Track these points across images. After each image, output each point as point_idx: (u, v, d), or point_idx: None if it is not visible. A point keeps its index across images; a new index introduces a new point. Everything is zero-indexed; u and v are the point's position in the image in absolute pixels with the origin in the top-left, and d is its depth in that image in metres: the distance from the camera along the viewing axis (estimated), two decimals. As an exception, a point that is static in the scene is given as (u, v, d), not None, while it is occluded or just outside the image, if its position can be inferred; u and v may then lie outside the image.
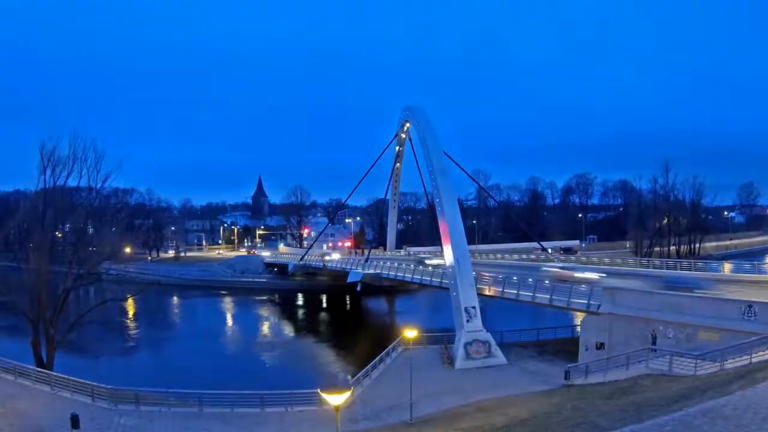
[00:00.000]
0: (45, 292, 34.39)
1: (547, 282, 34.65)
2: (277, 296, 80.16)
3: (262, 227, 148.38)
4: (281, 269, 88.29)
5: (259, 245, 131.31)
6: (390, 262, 60.51)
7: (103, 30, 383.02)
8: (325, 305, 74.91)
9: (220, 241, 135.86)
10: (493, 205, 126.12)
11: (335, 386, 11.46)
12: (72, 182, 37.38)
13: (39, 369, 28.66)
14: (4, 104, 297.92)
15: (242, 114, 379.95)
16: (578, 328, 34.02)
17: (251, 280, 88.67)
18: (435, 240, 62.66)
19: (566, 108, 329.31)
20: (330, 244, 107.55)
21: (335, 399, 11.23)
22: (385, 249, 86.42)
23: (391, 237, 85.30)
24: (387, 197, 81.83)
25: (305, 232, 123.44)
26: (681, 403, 15.51)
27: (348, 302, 72.01)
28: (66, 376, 26.64)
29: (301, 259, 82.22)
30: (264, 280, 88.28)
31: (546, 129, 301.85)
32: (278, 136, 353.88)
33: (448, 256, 37.09)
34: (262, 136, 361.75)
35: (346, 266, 67.42)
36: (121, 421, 22.94)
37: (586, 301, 30.59)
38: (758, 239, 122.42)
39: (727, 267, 41.14)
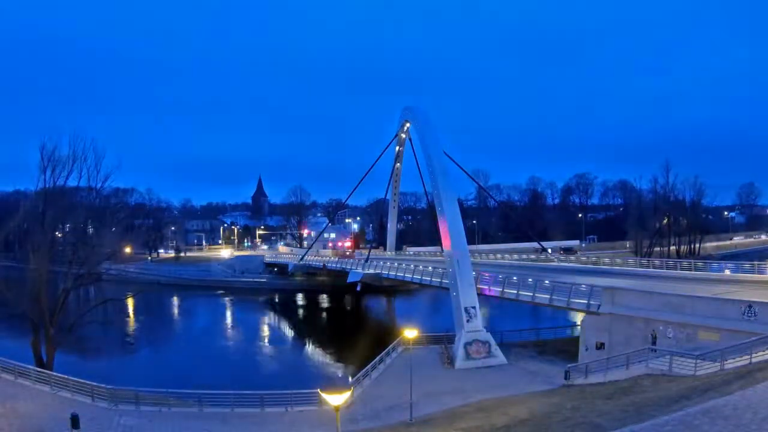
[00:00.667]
0: (45, 292, 34.41)
1: (547, 282, 34.65)
2: (276, 296, 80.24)
3: (262, 227, 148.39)
4: (281, 269, 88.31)
5: (259, 245, 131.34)
6: (390, 262, 60.53)
7: (103, 30, 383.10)
8: (325, 305, 74.94)
9: (220, 241, 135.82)
10: (493, 205, 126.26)
11: (335, 386, 11.43)
12: (72, 182, 37.46)
13: (39, 369, 28.66)
14: (4, 104, 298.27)
15: (242, 114, 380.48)
16: (578, 328, 34.01)
17: (251, 280, 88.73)
18: (435, 240, 62.72)
19: (566, 108, 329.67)
20: (330, 245, 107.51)
21: (335, 399, 11.20)
22: (385, 249, 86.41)
23: (391, 237, 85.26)
24: (387, 197, 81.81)
25: (305, 232, 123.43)
26: (681, 403, 15.51)
27: (348, 302, 72.03)
28: (66, 376, 26.63)
29: (301, 259, 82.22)
30: (264, 280, 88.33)
31: (546, 129, 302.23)
32: (278, 136, 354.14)
33: (448, 256, 37.09)
34: (262, 136, 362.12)
35: (346, 266, 67.44)
36: (121, 421, 22.93)
37: (585, 301, 30.58)
38: (758, 239, 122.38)
39: (727, 267, 41.11)
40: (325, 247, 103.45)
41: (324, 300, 76.23)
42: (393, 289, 69.62)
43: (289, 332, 59.19)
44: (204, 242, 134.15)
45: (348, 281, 62.11)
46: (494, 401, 24.28)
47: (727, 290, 30.06)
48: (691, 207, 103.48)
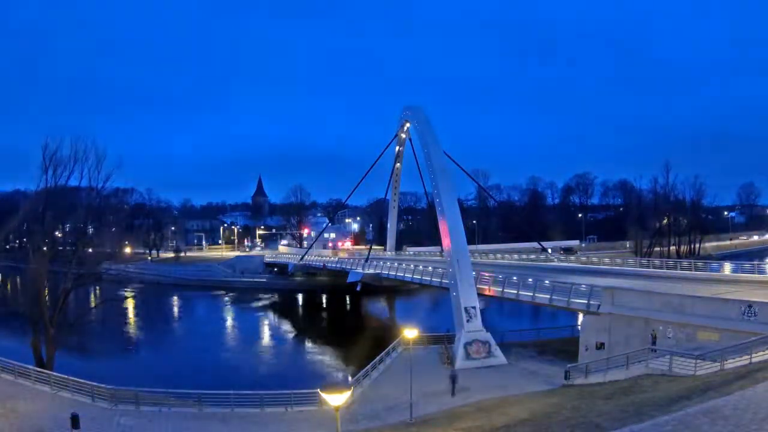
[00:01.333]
0: (45, 292, 34.44)
1: (547, 282, 34.64)
2: (276, 296, 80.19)
3: (262, 227, 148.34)
4: (281, 269, 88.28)
5: (259, 245, 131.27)
6: (390, 262, 60.52)
7: (102, 30, 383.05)
8: (325, 305, 74.93)
9: (220, 241, 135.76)
10: (493, 205, 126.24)
11: (335, 386, 11.43)
12: (73, 182, 37.44)
13: (39, 369, 28.67)
14: (5, 104, 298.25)
15: (242, 114, 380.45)
16: (578, 328, 34.00)
17: (251, 280, 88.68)
18: (435, 240, 62.72)
19: (566, 108, 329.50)
20: (330, 245, 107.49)
21: (335, 399, 11.20)
22: (385, 249, 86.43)
23: (391, 237, 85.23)
24: (387, 197, 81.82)
25: (305, 232, 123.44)
26: (681, 403, 15.51)
27: (348, 302, 72.01)
28: (66, 376, 26.63)
29: (301, 259, 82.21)
30: (264, 280, 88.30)
31: (546, 129, 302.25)
32: (278, 136, 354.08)
33: (448, 256, 37.08)
34: (262, 136, 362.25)
35: (346, 266, 67.42)
36: (121, 421, 22.94)
37: (585, 301, 30.57)
38: (758, 239, 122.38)
39: (727, 267, 41.08)
40: (325, 247, 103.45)
41: (324, 300, 76.20)
42: (393, 289, 69.56)
43: (289, 332, 59.15)
44: (204, 242, 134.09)
45: (348, 281, 62.10)
46: (494, 401, 24.29)
47: (727, 290, 30.05)
48: (691, 207, 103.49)
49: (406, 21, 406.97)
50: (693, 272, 40.58)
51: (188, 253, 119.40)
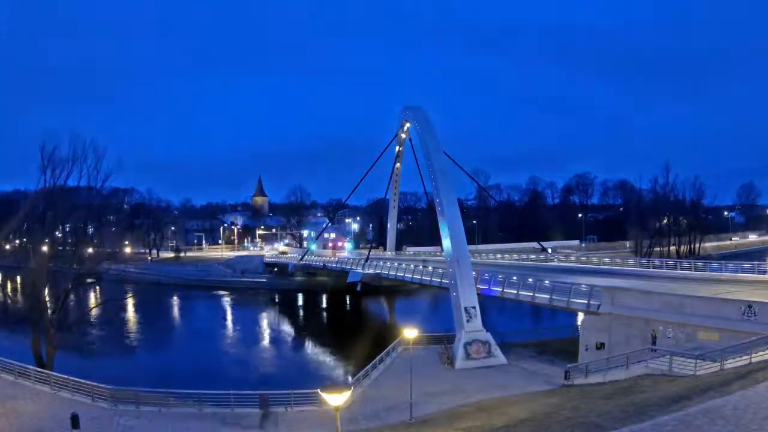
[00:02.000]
0: (45, 292, 34.42)
1: (546, 282, 34.64)
2: (277, 296, 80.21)
3: (262, 227, 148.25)
4: (281, 269, 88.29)
5: (259, 245, 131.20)
6: (390, 262, 60.52)
7: (103, 30, 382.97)
8: (325, 305, 74.91)
9: (220, 241, 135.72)
10: (493, 205, 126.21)
11: (335, 386, 11.43)
12: (72, 182, 37.41)
13: (39, 369, 28.65)
14: (4, 104, 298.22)
15: (242, 114, 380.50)
16: (578, 328, 34.00)
17: (251, 280, 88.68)
18: (435, 240, 62.68)
19: (566, 108, 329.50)
20: (330, 245, 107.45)
21: (335, 399, 11.20)
22: (385, 249, 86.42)
23: (391, 237, 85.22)
24: (387, 197, 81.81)
25: (305, 232, 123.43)
26: (681, 403, 15.51)
27: (348, 302, 72.00)
28: (66, 376, 26.61)
29: (301, 259, 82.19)
30: (264, 280, 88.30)
31: (546, 129, 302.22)
32: (278, 135, 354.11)
33: (448, 256, 37.08)
34: (262, 135, 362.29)
35: (346, 266, 67.41)
36: (121, 421, 22.93)
37: (585, 301, 30.56)
38: (758, 239, 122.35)
39: (727, 267, 41.02)
40: (325, 247, 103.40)
41: (324, 300, 76.19)
42: (393, 289, 69.57)
43: (289, 332, 59.16)
44: (204, 242, 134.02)
45: (348, 281, 62.09)
46: (494, 401, 24.27)
47: (727, 290, 30.04)
48: (691, 207, 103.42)
49: (406, 21, 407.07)
50: (693, 272, 40.55)
51: (188, 253, 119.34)
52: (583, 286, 31.98)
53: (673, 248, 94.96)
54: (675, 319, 26.00)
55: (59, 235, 43.16)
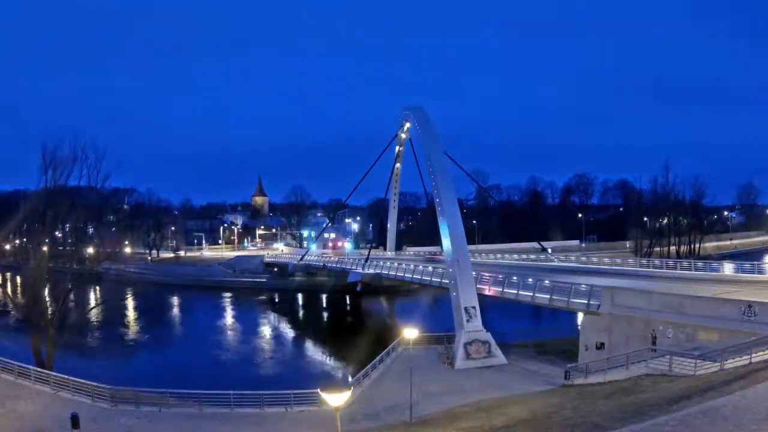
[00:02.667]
0: (45, 292, 34.42)
1: (546, 282, 34.63)
2: (277, 296, 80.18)
3: (262, 227, 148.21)
4: (281, 269, 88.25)
5: (259, 245, 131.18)
6: (390, 262, 60.51)
7: (102, 30, 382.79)
8: (325, 305, 74.89)
9: (220, 241, 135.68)
10: (493, 205, 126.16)
11: (335, 386, 11.42)
12: (72, 182, 37.41)
13: (39, 369, 28.63)
14: (4, 104, 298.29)
15: (242, 114, 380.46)
16: (578, 328, 33.98)
17: (251, 280, 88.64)
18: (435, 240, 62.68)
19: (566, 107, 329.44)
20: (330, 245, 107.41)
21: (335, 399, 11.19)
22: (385, 249, 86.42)
23: (391, 237, 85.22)
24: (387, 197, 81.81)
25: (305, 232, 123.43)
26: (681, 403, 15.51)
27: (348, 302, 71.98)
28: (66, 376, 26.60)
29: (301, 259, 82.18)
30: (264, 280, 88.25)
31: (547, 129, 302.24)
32: (278, 135, 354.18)
33: (448, 256, 37.07)
34: (262, 135, 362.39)
35: (346, 266, 67.39)
36: (121, 421, 22.93)
37: (585, 301, 30.54)
38: (758, 239, 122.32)
39: (727, 267, 41.04)
40: (325, 247, 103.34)
41: (324, 300, 76.18)
42: (393, 289, 69.53)
43: (289, 332, 59.14)
44: (204, 242, 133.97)
45: (348, 281, 62.06)
46: (494, 401, 24.27)
47: (727, 290, 30.03)
48: (691, 207, 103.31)
49: (405, 21, 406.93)
50: (693, 272, 40.56)
51: (188, 253, 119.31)
52: (583, 286, 31.96)
53: (673, 248, 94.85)
54: (675, 319, 25.99)
55: (59, 235, 43.16)
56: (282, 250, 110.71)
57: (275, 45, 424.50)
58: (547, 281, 34.79)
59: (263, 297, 79.35)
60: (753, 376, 17.19)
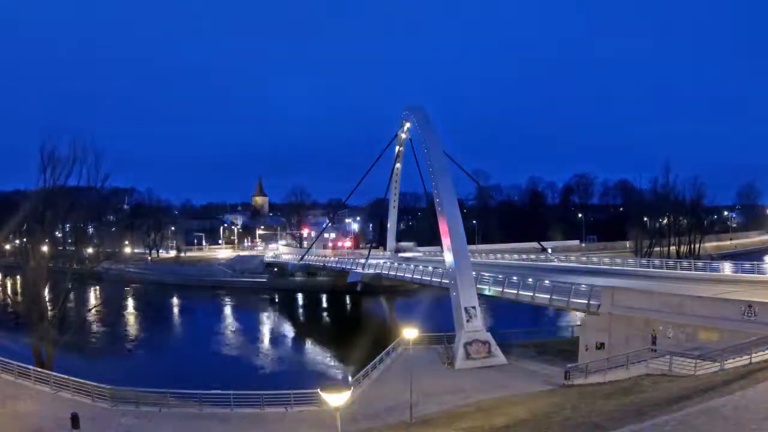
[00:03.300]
0: (45, 292, 34.39)
1: (547, 282, 34.63)
2: (277, 296, 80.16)
3: (262, 227, 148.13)
4: (281, 269, 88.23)
5: (259, 245, 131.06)
6: (390, 262, 60.50)
7: (103, 30, 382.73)
8: (325, 305, 74.89)
9: (220, 241, 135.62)
10: (493, 205, 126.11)
11: (335, 386, 11.42)
12: (72, 181, 37.38)
13: (39, 369, 28.62)
14: (4, 103, 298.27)
15: (242, 114, 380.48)
16: (578, 328, 33.97)
17: (251, 280, 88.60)
18: (435, 240, 62.71)
19: (566, 107, 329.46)
20: (330, 245, 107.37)
21: (335, 399, 11.19)
22: (385, 249, 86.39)
23: (391, 237, 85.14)
24: (387, 197, 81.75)
25: (305, 232, 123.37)
26: (681, 403, 15.51)
27: (348, 302, 71.98)
28: (66, 376, 26.59)
29: (301, 259, 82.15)
30: (264, 280, 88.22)
31: (547, 128, 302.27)
32: (278, 135, 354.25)
33: (448, 256, 37.07)
34: (262, 135, 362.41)
35: (346, 266, 67.37)
36: (121, 421, 22.94)
37: (585, 301, 30.53)
38: (758, 239, 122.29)
39: (727, 267, 41.03)
40: (325, 247, 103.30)
41: (324, 300, 76.17)
42: (393, 289, 69.54)
43: (289, 332, 59.15)
44: (204, 242, 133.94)
45: (348, 281, 62.03)
46: (494, 401, 24.27)
47: (727, 290, 30.03)
48: (691, 207, 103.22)
49: (405, 21, 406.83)
50: (693, 272, 40.54)
51: (188, 253, 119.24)
52: (583, 286, 31.96)
53: (673, 248, 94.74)
54: (675, 319, 25.98)
55: (59, 235, 43.17)
56: (282, 251, 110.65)
57: (276, 44, 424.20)
58: (547, 281, 34.78)
59: (263, 297, 79.32)
60: (753, 376, 17.19)
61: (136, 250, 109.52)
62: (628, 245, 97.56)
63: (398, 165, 74.95)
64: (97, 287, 67.91)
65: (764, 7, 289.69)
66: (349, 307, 71.32)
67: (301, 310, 74.75)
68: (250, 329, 58.30)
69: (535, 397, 24.38)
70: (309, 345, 51.94)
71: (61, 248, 41.65)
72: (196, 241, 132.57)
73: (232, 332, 58.17)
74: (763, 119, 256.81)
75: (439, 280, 43.13)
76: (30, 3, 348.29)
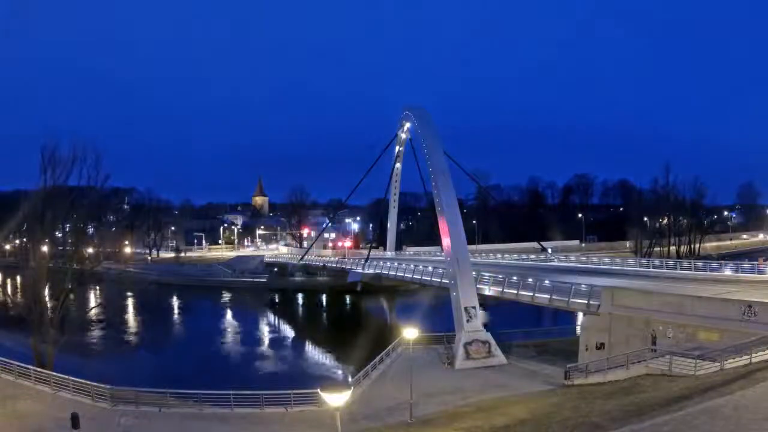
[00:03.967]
0: (45, 292, 34.37)
1: (546, 282, 34.61)
2: (277, 296, 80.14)
3: (262, 227, 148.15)
4: (281, 269, 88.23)
5: (259, 245, 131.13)
6: (390, 262, 60.48)
7: (103, 30, 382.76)
8: (325, 305, 74.87)
9: (220, 241, 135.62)
10: (493, 205, 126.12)
11: (335, 386, 11.42)
12: (72, 182, 37.38)
13: (39, 369, 28.60)
14: (4, 103, 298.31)
15: (243, 114, 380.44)
16: (578, 328, 33.94)
17: (251, 280, 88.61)
18: (435, 240, 62.74)
19: (566, 107, 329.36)
20: (330, 245, 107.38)
21: (335, 399, 11.19)
22: (385, 249, 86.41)
23: (391, 237, 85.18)
24: (387, 197, 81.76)
25: (305, 232, 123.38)
26: (681, 403, 15.52)
27: (348, 302, 71.96)
28: (66, 376, 26.57)
29: (301, 259, 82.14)
30: (264, 280, 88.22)
31: (547, 128, 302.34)
32: (279, 135, 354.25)
33: (448, 256, 37.06)
34: (262, 136, 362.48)
35: (346, 266, 67.35)
36: (121, 421, 22.93)
37: (585, 301, 30.50)
38: (758, 239, 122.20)
39: (727, 267, 41.02)
40: (325, 247, 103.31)
41: (324, 300, 76.16)
42: (393, 289, 69.51)
43: (289, 332, 59.15)
44: (204, 242, 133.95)
45: (348, 281, 62.01)
46: (494, 401, 24.28)
47: (727, 290, 30.03)
48: (691, 207, 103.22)
49: (405, 21, 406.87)
50: (693, 272, 40.52)
51: (188, 253, 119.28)
52: (583, 286, 31.93)
53: (673, 248, 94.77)
54: (675, 319, 25.98)
55: (59, 235, 43.13)
56: (282, 251, 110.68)
57: (275, 44, 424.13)
58: (547, 281, 34.76)
59: (263, 297, 79.29)
60: (753, 376, 17.20)
61: (136, 250, 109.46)
62: (628, 245, 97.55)
63: (398, 165, 74.98)
64: (97, 287, 67.78)
65: (764, 6, 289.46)
66: (349, 307, 71.30)
67: (301, 310, 74.74)
68: (249, 329, 58.29)
69: (535, 397, 24.39)
70: (309, 345, 51.93)
71: (61, 248, 41.53)
72: (196, 241, 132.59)
73: (231, 332, 58.17)
74: (764, 119, 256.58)
75: (439, 280, 43.12)
76: (31, 3, 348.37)
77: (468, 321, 33.30)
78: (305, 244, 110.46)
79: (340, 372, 39.37)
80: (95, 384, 25.55)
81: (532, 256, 65.40)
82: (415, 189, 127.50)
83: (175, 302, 79.81)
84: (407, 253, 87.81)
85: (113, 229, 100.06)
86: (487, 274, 39.27)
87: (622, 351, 26.14)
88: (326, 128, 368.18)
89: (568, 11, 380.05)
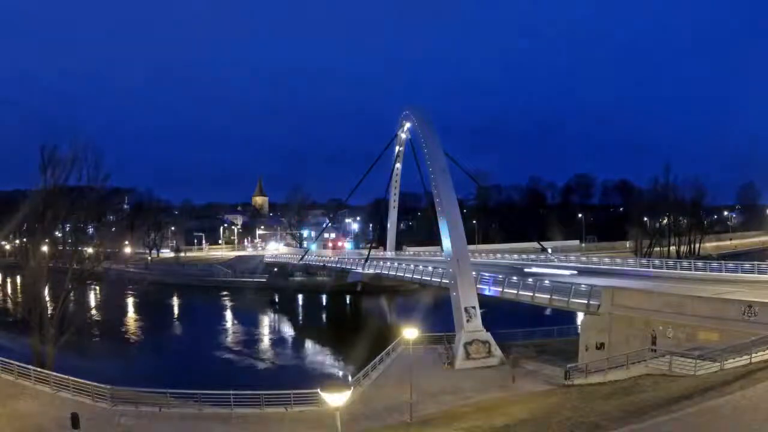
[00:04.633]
0: (45, 291, 34.37)
1: (546, 282, 34.60)
2: (277, 296, 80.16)
3: (262, 227, 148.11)
4: (281, 269, 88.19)
5: (259, 245, 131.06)
6: (390, 262, 60.47)
7: (103, 30, 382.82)
8: (325, 305, 74.86)
9: (220, 241, 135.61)
10: (493, 205, 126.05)
11: (335, 386, 11.40)
12: (72, 182, 37.37)
13: (39, 369, 28.57)
14: (4, 103, 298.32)
15: (242, 114, 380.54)
16: (578, 328, 33.94)
17: (251, 280, 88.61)
18: (435, 240, 62.75)
19: (566, 107, 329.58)
20: (330, 245, 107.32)
21: (335, 399, 11.16)
22: (385, 249, 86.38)
23: (391, 237, 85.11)
24: (387, 197, 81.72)
25: (305, 232, 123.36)
26: (681, 403, 15.53)
27: (348, 302, 71.96)
28: (66, 376, 26.55)
29: (301, 259, 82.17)
30: (264, 280, 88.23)
31: (547, 128, 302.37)
32: (279, 135, 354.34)
33: (448, 256, 37.05)
34: (262, 135, 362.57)
35: (346, 266, 67.34)
36: (121, 421, 22.94)
37: (585, 301, 30.50)
38: (758, 239, 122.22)
39: (727, 267, 41.00)
40: (325, 247, 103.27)
41: (324, 300, 76.16)
42: (393, 289, 69.53)
43: (289, 332, 59.17)
44: (204, 242, 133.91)
45: (348, 281, 61.99)
46: (494, 401, 24.29)
47: (727, 290, 30.03)
48: (691, 207, 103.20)
49: (405, 21, 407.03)
50: (693, 272, 40.55)
51: (188, 253, 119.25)
52: (583, 286, 31.94)
53: (673, 248, 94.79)
54: (675, 319, 25.99)
55: (59, 235, 43.11)
56: (282, 251, 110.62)
57: (277, 45, 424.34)
58: (547, 281, 34.77)
59: (263, 297, 79.30)
60: (753, 376, 17.20)
61: (136, 250, 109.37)
62: (628, 245, 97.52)
63: (398, 165, 74.92)
64: (97, 287, 67.83)
65: (765, 6, 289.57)
66: (349, 307, 71.30)
67: (301, 310, 74.74)
68: (250, 329, 58.29)
69: (535, 397, 24.39)
70: (309, 345, 51.95)
71: (61, 248, 41.53)
72: (196, 241, 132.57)
73: (232, 332, 58.19)
74: (764, 119, 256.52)
75: (439, 280, 43.13)
76: (32, 3, 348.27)
77: (468, 321, 33.30)
78: (305, 244, 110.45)
79: (340, 372, 39.37)
80: (95, 384, 25.53)
81: (533, 256, 65.37)
82: (415, 189, 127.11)
83: (175, 302, 79.83)
84: (407, 253, 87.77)
85: (113, 229, 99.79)
86: (487, 274, 39.27)
87: (622, 351, 26.13)
88: (326, 128, 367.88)
89: (568, 11, 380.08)
